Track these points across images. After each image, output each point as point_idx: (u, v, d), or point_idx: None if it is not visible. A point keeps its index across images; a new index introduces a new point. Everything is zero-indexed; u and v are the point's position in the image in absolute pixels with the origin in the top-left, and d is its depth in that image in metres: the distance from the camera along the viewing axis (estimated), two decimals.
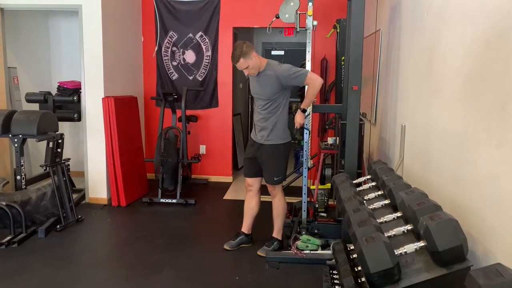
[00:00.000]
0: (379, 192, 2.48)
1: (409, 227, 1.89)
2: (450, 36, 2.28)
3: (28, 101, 4.83)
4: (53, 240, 3.79)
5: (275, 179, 3.47)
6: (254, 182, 3.60)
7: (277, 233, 3.62)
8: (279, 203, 3.56)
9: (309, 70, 3.41)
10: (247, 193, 3.66)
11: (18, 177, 4.15)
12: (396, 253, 1.67)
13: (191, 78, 5.85)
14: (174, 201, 4.84)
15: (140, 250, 3.63)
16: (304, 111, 3.40)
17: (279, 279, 3.16)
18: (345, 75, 4.08)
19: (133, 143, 5.09)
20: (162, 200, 4.87)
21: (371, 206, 2.30)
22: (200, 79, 5.83)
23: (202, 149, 5.98)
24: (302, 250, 3.44)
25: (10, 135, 4.05)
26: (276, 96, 3.35)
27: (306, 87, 3.39)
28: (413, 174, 2.83)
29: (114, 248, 3.84)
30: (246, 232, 3.69)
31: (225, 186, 5.71)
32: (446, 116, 2.29)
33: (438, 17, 2.48)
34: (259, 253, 3.52)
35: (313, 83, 3.29)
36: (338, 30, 4.78)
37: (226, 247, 3.64)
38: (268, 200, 3.66)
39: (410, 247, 1.73)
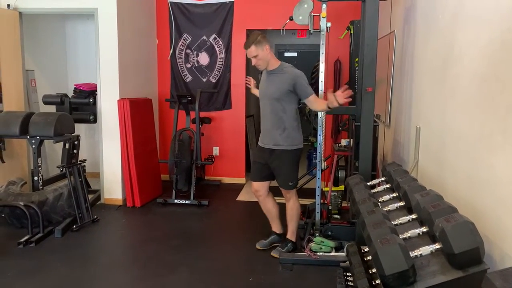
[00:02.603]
0: (394, 194, 2.47)
1: (424, 229, 1.88)
2: (466, 37, 2.26)
3: (45, 103, 4.91)
4: (69, 240, 3.85)
5: (289, 183, 3.47)
6: (260, 187, 3.59)
7: (291, 235, 3.62)
8: (293, 205, 3.56)
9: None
10: (257, 198, 3.66)
11: (36, 178, 4.23)
12: (411, 255, 1.67)
13: (204, 80, 5.89)
14: (188, 202, 4.88)
15: (155, 250, 3.67)
16: (330, 107, 3.13)
17: (292, 280, 3.16)
18: (359, 77, 4.06)
19: (148, 144, 5.15)
20: (176, 201, 4.90)
21: (386, 208, 2.29)
22: (214, 81, 5.87)
23: (216, 150, 6.01)
24: (316, 252, 3.43)
25: (28, 137, 4.13)
26: (283, 97, 3.33)
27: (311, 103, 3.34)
28: (428, 176, 2.81)
29: (129, 248, 3.89)
30: (277, 232, 3.71)
31: (238, 188, 5.73)
32: (461, 118, 2.27)
33: (453, 18, 2.46)
34: (272, 254, 3.54)
35: (316, 100, 3.29)
36: (351, 32, 4.77)
37: (258, 246, 3.67)
38: (282, 201, 3.66)
39: (425, 249, 1.72)
